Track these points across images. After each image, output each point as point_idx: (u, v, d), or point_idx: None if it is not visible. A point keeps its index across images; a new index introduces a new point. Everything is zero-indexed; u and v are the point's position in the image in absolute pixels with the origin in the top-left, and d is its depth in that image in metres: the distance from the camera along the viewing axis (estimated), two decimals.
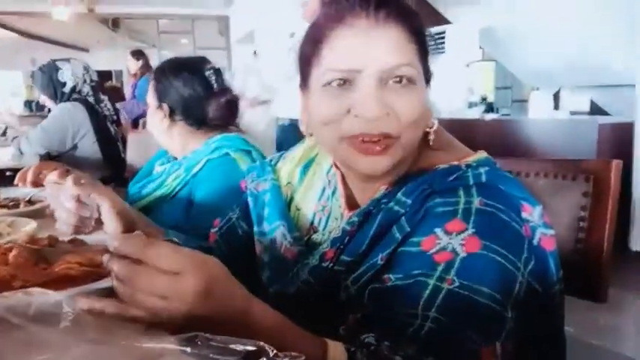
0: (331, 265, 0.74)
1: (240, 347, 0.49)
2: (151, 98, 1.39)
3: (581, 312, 1.20)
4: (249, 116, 1.79)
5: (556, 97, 4.67)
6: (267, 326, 0.58)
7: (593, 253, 0.96)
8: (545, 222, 0.71)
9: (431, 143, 0.76)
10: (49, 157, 2.41)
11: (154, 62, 7.41)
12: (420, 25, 0.73)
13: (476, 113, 4.17)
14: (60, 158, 2.45)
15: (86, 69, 2.56)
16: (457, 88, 4.43)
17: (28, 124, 3.55)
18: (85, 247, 0.79)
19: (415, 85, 0.70)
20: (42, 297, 0.56)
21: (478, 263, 0.63)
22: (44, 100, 2.63)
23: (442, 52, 4.79)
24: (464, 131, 3.03)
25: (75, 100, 2.49)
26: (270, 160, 0.97)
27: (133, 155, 2.61)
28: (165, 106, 1.37)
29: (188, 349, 0.50)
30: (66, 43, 9.99)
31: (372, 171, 0.72)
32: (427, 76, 0.75)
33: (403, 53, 0.69)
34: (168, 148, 1.45)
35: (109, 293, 0.66)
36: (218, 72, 1.40)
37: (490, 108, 4.30)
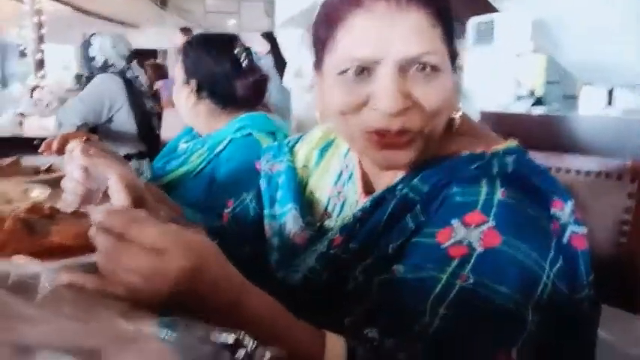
0: (339, 252, 0.70)
1: (219, 338, 0.45)
2: (179, 73, 1.37)
3: (619, 320, 1.13)
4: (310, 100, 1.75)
5: (609, 95, 4.46)
6: (261, 315, 0.53)
7: (634, 260, 0.89)
8: (577, 219, 0.64)
9: (454, 129, 0.70)
10: (89, 130, 2.44)
11: None
12: (446, 4, 0.66)
13: (523, 107, 4.02)
14: (97, 131, 2.48)
15: (115, 43, 2.57)
16: (504, 80, 4.29)
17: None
18: (85, 220, 0.76)
19: (440, 71, 0.64)
20: (21, 268, 0.53)
21: (496, 260, 0.57)
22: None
23: (490, 42, 4.63)
24: (509, 125, 2.93)
25: (112, 72, 2.51)
26: (288, 142, 0.92)
27: (169, 132, 2.62)
28: (192, 82, 1.35)
29: (165, 335, 0.46)
30: (116, 20, 10.18)
31: (392, 165, 0.67)
32: (453, 59, 0.68)
33: (427, 40, 0.63)
34: (193, 126, 1.43)
35: (97, 268, 0.63)
36: (248, 51, 1.37)
37: (538, 102, 4.15)
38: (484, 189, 0.62)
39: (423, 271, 0.59)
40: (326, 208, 0.82)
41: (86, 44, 2.54)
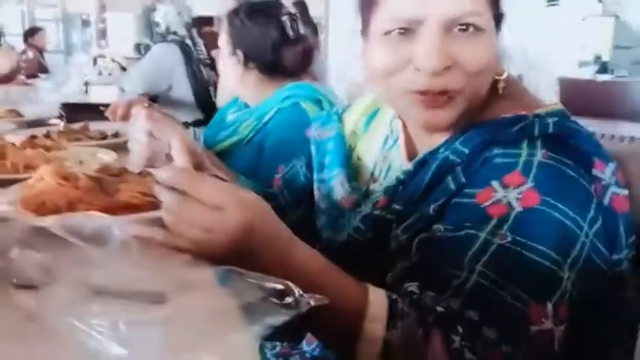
0: (383, 213, 0.73)
1: (269, 284, 0.50)
2: (224, 43, 1.37)
3: None
4: None
5: None
6: (309, 267, 0.58)
7: None
8: (619, 180, 0.65)
9: (500, 92, 0.71)
10: (149, 98, 2.54)
11: None
12: None
13: (587, 73, 3.86)
14: (157, 99, 2.57)
15: (180, 11, 2.62)
16: (569, 44, 4.11)
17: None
18: (150, 179, 0.83)
19: (483, 32, 0.65)
20: (97, 220, 0.59)
21: (534, 219, 0.59)
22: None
23: (555, 4, 4.43)
24: (572, 92, 2.81)
25: (171, 41, 2.58)
26: (337, 110, 0.95)
27: (223, 101, 2.68)
28: (239, 52, 1.35)
29: (221, 282, 0.51)
30: None
31: (433, 125, 0.69)
32: (498, 21, 0.69)
33: (470, 0, 0.64)
34: (240, 96, 1.45)
35: (162, 223, 0.69)
36: (294, 17, 1.34)
37: (604, 69, 3.97)
38: (525, 150, 0.63)
39: (462, 229, 0.62)
40: (372, 173, 0.85)
41: (150, 9, 2.61)
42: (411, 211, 0.70)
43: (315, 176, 0.90)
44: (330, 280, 0.59)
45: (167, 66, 2.54)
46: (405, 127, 0.80)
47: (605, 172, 0.65)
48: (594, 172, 0.64)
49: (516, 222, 0.59)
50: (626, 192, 0.65)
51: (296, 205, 0.95)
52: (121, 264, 0.54)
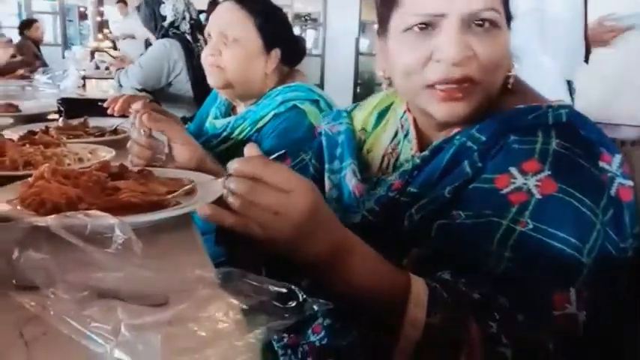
0: (398, 195, 0.74)
1: (272, 287, 0.50)
2: (251, 41, 1.30)
3: None
4: None
5: None
6: (362, 251, 0.59)
7: None
8: (624, 172, 0.67)
9: (510, 87, 0.73)
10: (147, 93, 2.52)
11: None
12: None
13: None
14: (155, 94, 2.56)
15: (187, 6, 2.60)
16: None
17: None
18: (151, 178, 0.82)
19: (499, 28, 0.68)
20: (98, 219, 0.59)
21: (553, 206, 0.61)
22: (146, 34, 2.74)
23: None
24: None
25: (173, 35, 2.56)
26: (346, 108, 0.97)
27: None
28: (276, 51, 1.31)
29: (225, 282, 0.51)
30: None
31: (450, 117, 0.71)
32: (509, 20, 0.72)
33: None
34: (259, 92, 1.36)
35: (163, 224, 0.69)
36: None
37: None
38: (540, 138, 0.65)
39: (484, 216, 0.63)
40: (381, 165, 0.86)
41: (154, 1, 2.58)
42: (426, 194, 0.71)
43: (327, 166, 0.91)
44: (379, 264, 0.60)
45: (168, 63, 2.53)
46: (415, 122, 0.82)
47: (611, 163, 0.66)
48: (601, 163, 0.66)
49: (537, 209, 0.61)
50: (631, 183, 0.67)
51: None
52: (122, 265, 0.54)
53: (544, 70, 1.42)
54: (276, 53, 1.31)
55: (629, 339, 0.73)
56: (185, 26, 2.59)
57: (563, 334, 0.58)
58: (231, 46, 1.28)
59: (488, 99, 0.71)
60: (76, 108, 1.61)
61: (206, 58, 1.31)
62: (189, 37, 2.59)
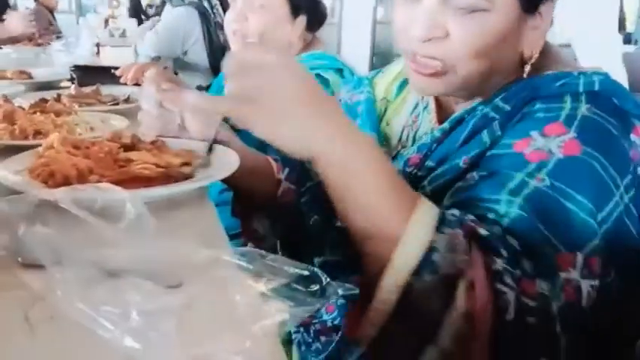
0: (415, 170, 0.71)
1: (293, 269, 0.46)
2: (278, 7, 1.26)
3: None
4: None
5: None
6: (375, 149, 0.56)
7: None
8: None
9: (525, 75, 0.68)
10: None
11: None
12: None
13: None
14: (171, 62, 2.52)
15: None
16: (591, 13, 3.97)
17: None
18: (164, 149, 0.79)
19: (488, 12, 0.61)
20: (108, 193, 0.55)
21: (574, 167, 0.57)
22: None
23: None
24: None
25: (189, 3, 2.52)
26: (368, 75, 0.92)
27: None
28: (302, 17, 1.27)
29: (243, 263, 0.48)
30: None
31: (423, 92, 0.69)
32: (528, 3, 0.64)
33: None
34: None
35: (177, 198, 0.66)
36: None
37: (628, 39, 3.83)
38: (568, 104, 0.61)
39: (498, 172, 0.59)
40: (400, 138, 0.82)
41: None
42: (441, 166, 0.68)
43: None
44: (390, 169, 0.57)
45: (184, 31, 2.49)
46: None
47: None
48: (633, 137, 0.62)
49: (556, 168, 0.57)
50: None
51: None
52: (134, 242, 0.50)
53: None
54: (302, 19, 1.27)
55: None
56: None
57: (566, 299, 0.54)
58: (258, 11, 1.23)
59: (479, 83, 0.67)
60: (89, 75, 1.58)
61: (230, 24, 1.26)
62: (205, 4, 2.53)
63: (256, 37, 1.23)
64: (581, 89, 0.63)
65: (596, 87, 0.63)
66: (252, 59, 0.53)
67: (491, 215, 0.56)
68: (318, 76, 1.23)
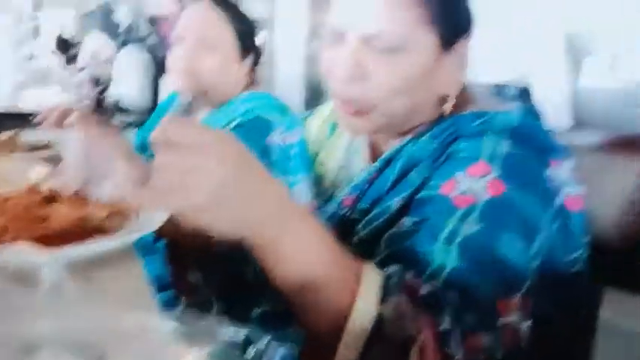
0: (349, 212, 0.71)
1: (230, 332, 0.44)
2: (230, 46, 1.23)
3: (622, 301, 1.12)
4: None
5: (613, 63, 4.39)
6: (309, 219, 0.52)
7: None
8: (574, 179, 0.66)
9: (445, 114, 0.70)
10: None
11: None
12: None
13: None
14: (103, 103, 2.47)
15: (139, 9, 2.53)
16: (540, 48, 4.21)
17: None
18: (87, 201, 0.74)
19: (405, 52, 0.64)
20: (22, 255, 0.51)
21: (501, 208, 0.59)
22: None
23: None
24: None
25: (136, 41, 2.49)
26: (301, 116, 0.94)
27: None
28: (251, 56, 1.26)
29: (173, 329, 0.45)
30: None
31: (351, 131, 0.71)
32: (445, 43, 0.67)
33: (394, 19, 0.63)
34: (212, 103, 1.29)
35: (104, 257, 0.62)
36: None
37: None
38: (489, 142, 0.63)
39: (429, 220, 0.60)
40: (335, 179, 0.83)
41: (107, 10, 2.50)
42: (375, 208, 0.69)
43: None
44: (329, 240, 0.53)
45: (133, 70, 2.44)
46: None
47: (562, 170, 0.65)
48: (552, 169, 0.64)
49: (483, 211, 0.59)
50: (581, 191, 0.66)
51: None
52: (52, 310, 0.46)
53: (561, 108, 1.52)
54: (249, 59, 1.26)
55: (582, 352, 0.72)
56: (144, 30, 2.51)
57: (507, 344, 0.55)
58: (211, 50, 1.21)
59: (400, 120, 0.69)
60: (6, 120, 1.49)
61: (178, 63, 1.22)
62: (152, 41, 2.51)
63: (208, 76, 1.20)
64: (500, 126, 0.65)
65: (515, 123, 0.65)
66: (186, 136, 0.47)
67: (428, 269, 0.57)
68: (258, 116, 1.20)
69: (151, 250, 1.02)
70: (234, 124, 1.20)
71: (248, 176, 0.49)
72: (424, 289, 0.54)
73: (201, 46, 1.21)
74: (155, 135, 0.48)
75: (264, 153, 0.99)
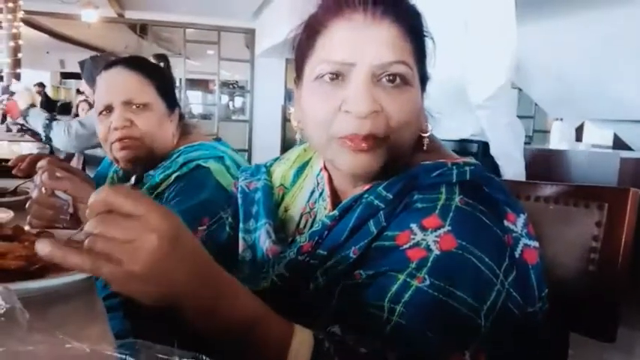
0: (307, 258, 0.70)
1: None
2: (158, 104, 1.24)
3: (589, 350, 1.12)
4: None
5: (580, 129, 4.58)
6: (240, 292, 0.53)
7: (603, 288, 0.89)
8: (529, 233, 0.66)
9: (425, 148, 0.73)
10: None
11: (179, 70, 7.47)
12: (419, 25, 0.71)
13: None
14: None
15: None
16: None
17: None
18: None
19: (409, 86, 0.67)
20: None
21: (452, 263, 0.59)
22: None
23: None
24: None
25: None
26: (266, 163, 0.93)
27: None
28: (177, 109, 1.28)
29: (125, 357, 0.44)
30: (95, 46, 10.11)
31: (357, 169, 0.68)
32: (423, 80, 0.72)
33: (398, 51, 0.66)
34: (167, 154, 1.29)
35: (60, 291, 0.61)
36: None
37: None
38: (443, 195, 0.65)
39: (382, 272, 0.60)
40: (298, 225, 0.83)
41: (94, 63, 2.61)
42: (333, 256, 0.69)
43: (241, 225, 0.86)
44: (260, 311, 0.54)
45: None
46: (330, 180, 0.80)
47: (516, 223, 0.66)
48: (506, 223, 0.65)
49: (434, 266, 0.59)
50: (536, 244, 0.67)
51: (218, 256, 0.89)
52: (4, 340, 0.45)
53: (515, 162, 1.69)
54: (176, 113, 1.28)
55: None
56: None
57: None
58: (141, 113, 1.20)
59: (399, 156, 0.69)
60: None
61: (114, 133, 1.19)
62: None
63: (148, 134, 1.21)
64: (454, 179, 0.66)
65: (468, 177, 0.67)
66: (122, 206, 0.48)
67: (375, 324, 0.56)
68: (198, 166, 1.22)
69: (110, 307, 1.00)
70: (174, 176, 1.20)
71: (182, 251, 0.49)
72: (363, 349, 0.53)
73: (130, 112, 1.20)
74: (93, 201, 0.49)
75: (209, 201, 0.98)
